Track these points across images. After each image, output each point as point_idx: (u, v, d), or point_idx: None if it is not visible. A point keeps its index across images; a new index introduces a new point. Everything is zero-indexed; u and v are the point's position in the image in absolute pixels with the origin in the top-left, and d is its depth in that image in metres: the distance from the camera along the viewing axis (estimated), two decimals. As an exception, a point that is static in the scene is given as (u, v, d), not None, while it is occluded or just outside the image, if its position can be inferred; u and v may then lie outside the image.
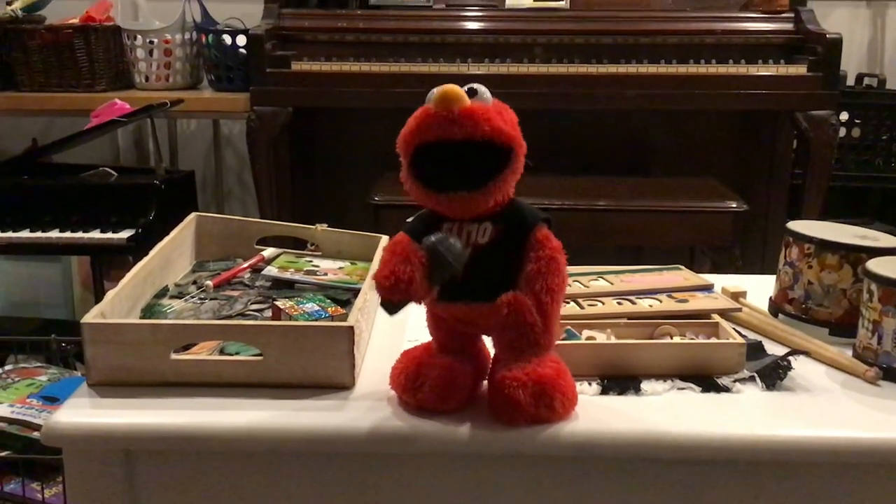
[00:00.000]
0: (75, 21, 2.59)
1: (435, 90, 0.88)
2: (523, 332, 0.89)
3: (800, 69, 2.33)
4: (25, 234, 2.13)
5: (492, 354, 0.96)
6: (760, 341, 1.12)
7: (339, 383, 0.99)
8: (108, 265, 2.54)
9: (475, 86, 0.88)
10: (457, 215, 0.91)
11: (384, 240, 1.31)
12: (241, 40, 2.54)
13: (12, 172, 2.29)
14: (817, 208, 2.36)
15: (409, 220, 0.95)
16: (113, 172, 2.31)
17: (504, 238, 0.91)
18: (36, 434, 1.54)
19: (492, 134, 0.87)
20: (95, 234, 2.11)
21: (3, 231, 2.13)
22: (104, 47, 2.59)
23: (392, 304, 0.89)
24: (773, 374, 1.02)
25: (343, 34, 2.43)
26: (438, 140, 0.87)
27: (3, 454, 1.59)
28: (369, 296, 1.11)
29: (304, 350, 0.97)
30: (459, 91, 0.87)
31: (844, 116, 2.69)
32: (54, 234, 2.13)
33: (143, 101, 2.38)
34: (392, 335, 1.12)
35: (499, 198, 0.90)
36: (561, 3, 2.41)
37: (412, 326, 1.13)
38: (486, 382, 0.96)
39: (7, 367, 1.80)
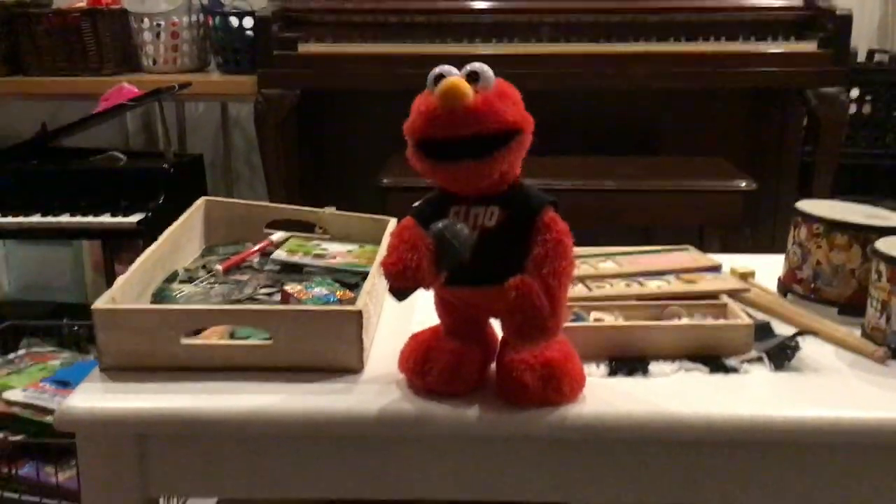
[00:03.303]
0: (82, 5, 2.59)
1: (436, 77, 0.87)
2: (531, 315, 0.89)
3: (810, 46, 2.31)
4: (37, 218, 2.14)
5: (500, 337, 0.97)
6: (769, 322, 1.11)
7: (348, 367, 0.99)
8: (118, 249, 2.55)
9: (476, 68, 0.87)
10: (463, 189, 0.91)
11: (392, 222, 1.32)
12: (248, 22, 2.53)
13: (22, 157, 2.30)
14: (828, 186, 2.34)
15: (416, 203, 0.95)
16: (122, 156, 2.32)
17: (511, 221, 0.91)
18: (49, 418, 1.56)
19: (499, 128, 0.86)
20: (106, 219, 2.12)
21: (14, 216, 2.14)
22: (111, 31, 2.59)
23: (400, 291, 0.89)
24: (782, 355, 1.02)
25: (350, 15, 2.42)
26: (445, 138, 0.87)
27: (17, 438, 1.61)
28: (378, 279, 1.12)
29: (313, 334, 0.98)
30: (461, 88, 0.85)
31: (855, 93, 2.67)
32: (65, 218, 2.14)
33: (151, 84, 2.38)
34: (400, 318, 1.12)
35: (504, 169, 0.89)
36: (569, -19, 2.40)
37: (420, 309, 1.13)
38: (494, 365, 0.97)
39: (20, 352, 1.81)
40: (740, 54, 2.31)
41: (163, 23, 2.60)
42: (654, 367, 1.01)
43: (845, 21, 2.28)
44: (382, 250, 1.20)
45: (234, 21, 2.58)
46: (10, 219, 2.13)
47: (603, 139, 2.58)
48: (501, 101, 0.87)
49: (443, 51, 2.30)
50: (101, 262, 2.63)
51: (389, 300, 0.93)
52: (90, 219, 2.13)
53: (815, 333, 1.08)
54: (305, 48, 2.36)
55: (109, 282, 2.14)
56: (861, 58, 2.85)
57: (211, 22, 2.62)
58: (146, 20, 2.60)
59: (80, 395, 0.95)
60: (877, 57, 2.89)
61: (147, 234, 2.08)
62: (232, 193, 3.11)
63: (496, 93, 0.88)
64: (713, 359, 1.02)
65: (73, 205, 2.16)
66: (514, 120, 0.88)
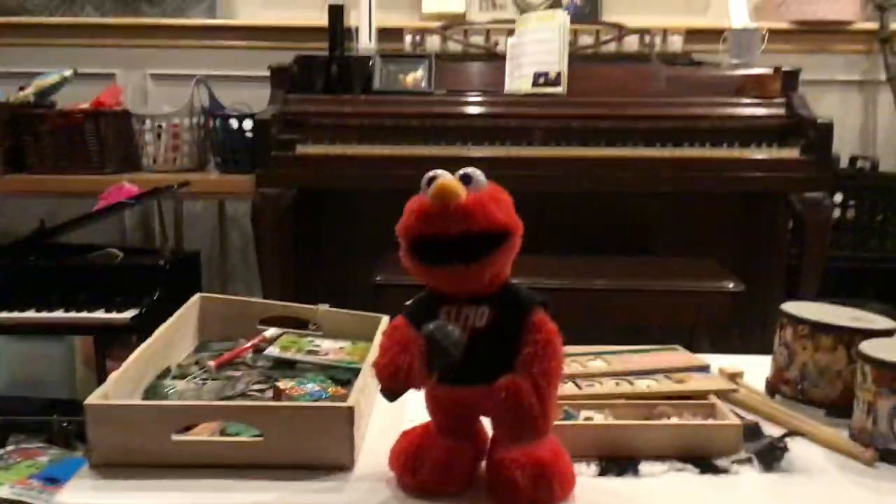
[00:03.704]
0: (86, 106, 2.65)
1: (430, 179, 0.90)
2: (521, 415, 0.90)
3: (792, 152, 2.38)
4: (30, 314, 2.14)
5: (490, 435, 0.97)
6: (757, 422, 1.12)
7: (338, 464, 0.99)
8: (111, 345, 2.55)
9: (469, 172, 0.91)
10: (454, 290, 0.93)
11: (385, 320, 1.33)
12: (248, 124, 2.60)
13: (20, 253, 2.32)
14: (814, 288, 2.38)
15: (408, 303, 0.97)
16: (119, 253, 2.34)
17: (501, 321, 0.93)
18: (35, 516, 1.53)
19: (488, 227, 0.89)
20: (99, 314, 2.13)
21: (8, 311, 2.15)
22: (113, 131, 2.65)
23: (391, 392, 0.90)
24: (771, 456, 1.02)
25: (346, 118, 2.49)
26: (436, 235, 0.90)
27: (1, 536, 1.58)
28: (370, 376, 1.12)
29: (304, 431, 0.98)
30: (454, 187, 0.89)
31: (839, 198, 2.73)
32: (58, 313, 2.14)
33: (150, 182, 2.43)
34: (392, 415, 1.12)
35: (495, 272, 0.92)
36: (558, 89, 2.48)
37: (412, 407, 1.13)
38: (484, 463, 0.97)
39: (9, 448, 1.80)
40: (725, 160, 2.38)
41: (164, 124, 2.67)
42: (644, 466, 1.01)
43: (826, 129, 2.36)
44: (375, 347, 1.22)
45: (234, 123, 2.64)
46: (3, 314, 2.14)
47: (593, 239, 2.62)
48: (492, 203, 0.91)
49: (437, 153, 2.36)
50: (93, 358, 2.62)
51: (381, 397, 0.93)
52: (84, 314, 2.13)
53: (803, 435, 1.09)
54: (303, 149, 2.42)
55: (101, 378, 2.13)
56: (844, 164, 2.93)
57: (211, 123, 2.69)
58: (148, 121, 2.67)
59: (69, 492, 0.95)
60: (859, 163, 2.97)
61: (140, 330, 2.09)
62: (227, 290, 3.12)
63: (487, 195, 0.91)
64: (703, 459, 1.02)
65: (67, 301, 2.17)
66: (503, 221, 0.91)
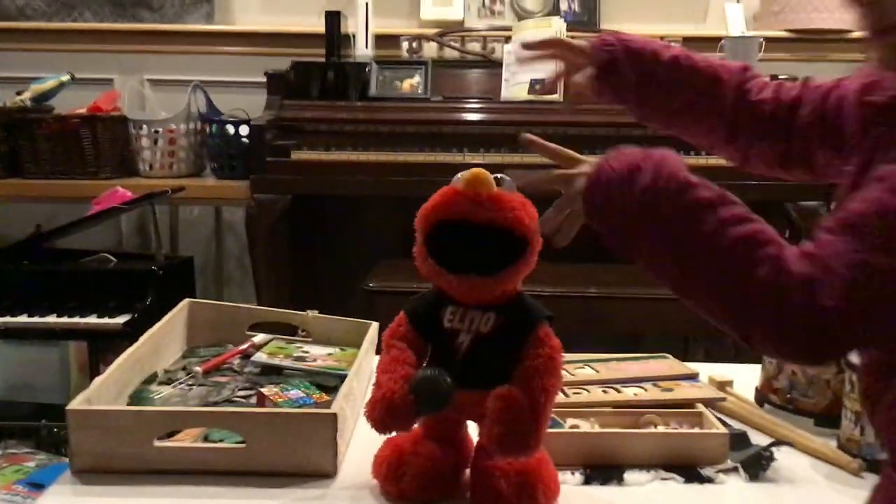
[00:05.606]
0: (83, 111, 2.65)
1: (464, 172, 0.91)
2: (514, 429, 0.88)
3: (789, 161, 2.37)
4: (24, 318, 2.14)
5: (475, 442, 0.97)
6: (745, 431, 1.11)
7: (322, 471, 0.99)
8: (104, 350, 2.54)
9: (503, 175, 0.92)
10: (464, 298, 0.93)
11: (374, 327, 1.32)
12: (244, 130, 2.60)
13: (15, 258, 2.32)
14: (812, 298, 2.36)
15: (413, 298, 0.97)
16: (112, 258, 2.34)
17: (506, 330, 0.92)
18: (21, 521, 1.53)
19: (513, 223, 0.90)
20: (92, 320, 2.12)
21: (1, 315, 2.14)
22: (110, 136, 2.65)
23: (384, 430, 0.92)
24: (756, 465, 1.01)
25: (342, 125, 2.48)
26: (461, 219, 0.90)
27: (-13, 542, 1.58)
28: (356, 383, 1.12)
29: (286, 437, 0.98)
30: (489, 176, 0.90)
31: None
32: (52, 318, 2.13)
33: (146, 188, 2.42)
34: (378, 423, 1.12)
35: (508, 287, 0.92)
36: (555, 96, 2.47)
37: (398, 414, 1.13)
38: (468, 471, 0.96)
39: (-4, 453, 1.79)
40: (721, 167, 2.37)
41: (161, 130, 2.67)
42: (629, 475, 1.00)
43: (823, 137, 2.35)
44: (363, 354, 1.21)
45: (230, 129, 2.64)
46: (-2, 319, 2.13)
47: (588, 246, 2.60)
48: (521, 208, 0.91)
49: (432, 160, 2.35)
50: (87, 364, 2.61)
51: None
52: (77, 319, 2.13)
53: (790, 444, 1.08)
54: (297, 155, 2.42)
55: (93, 383, 2.11)
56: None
57: (208, 129, 2.68)
58: (145, 127, 2.67)
59: (49, 498, 0.94)
60: (857, 172, 2.96)
61: (133, 335, 2.07)
62: (223, 296, 3.11)
63: (518, 200, 0.92)
64: (688, 468, 1.02)
65: (60, 305, 2.16)
66: (527, 227, 0.91)
